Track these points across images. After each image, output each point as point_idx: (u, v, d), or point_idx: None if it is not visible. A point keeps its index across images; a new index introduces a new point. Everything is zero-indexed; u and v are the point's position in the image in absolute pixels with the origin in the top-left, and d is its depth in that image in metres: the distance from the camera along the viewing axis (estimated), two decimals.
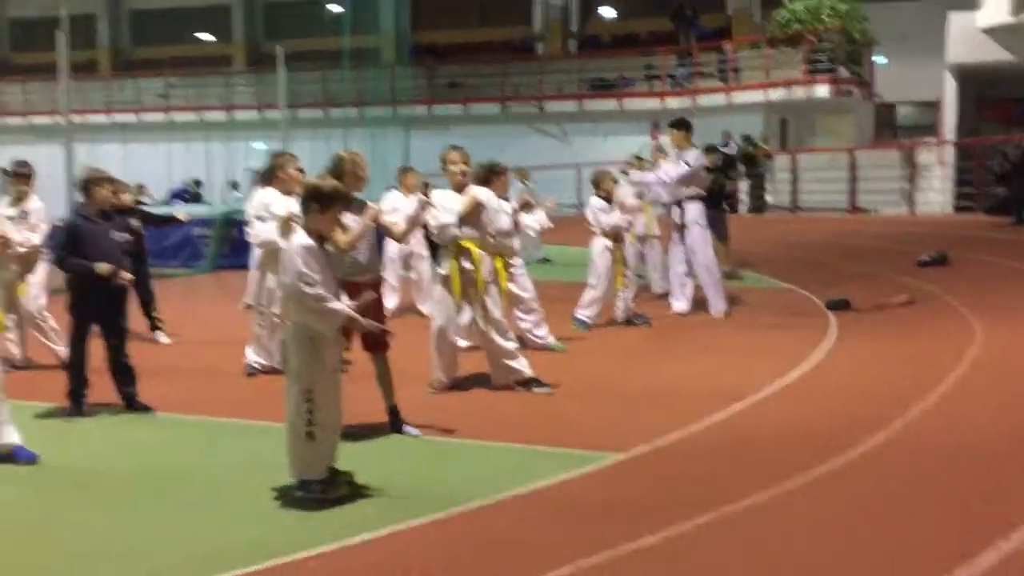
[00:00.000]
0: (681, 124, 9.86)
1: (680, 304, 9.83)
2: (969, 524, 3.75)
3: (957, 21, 19.25)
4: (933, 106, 21.88)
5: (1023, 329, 7.40)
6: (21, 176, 7.48)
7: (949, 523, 3.80)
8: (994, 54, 18.54)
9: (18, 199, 7.42)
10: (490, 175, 7.43)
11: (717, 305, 9.51)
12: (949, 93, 20.06)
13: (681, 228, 9.64)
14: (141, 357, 6.48)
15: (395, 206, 9.48)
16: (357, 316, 4.47)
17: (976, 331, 7.46)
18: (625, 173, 10.77)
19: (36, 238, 7.48)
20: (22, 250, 7.20)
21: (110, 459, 5.26)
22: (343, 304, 4.45)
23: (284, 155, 7.30)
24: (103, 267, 5.92)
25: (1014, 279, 9.56)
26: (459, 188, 6.49)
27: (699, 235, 9.54)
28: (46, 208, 7.60)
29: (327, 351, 4.42)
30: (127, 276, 6.11)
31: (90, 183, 6.16)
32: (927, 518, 3.86)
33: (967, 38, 18.84)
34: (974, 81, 20.43)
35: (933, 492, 4.15)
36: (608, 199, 9.20)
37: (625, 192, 10.43)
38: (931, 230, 14.27)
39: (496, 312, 6.55)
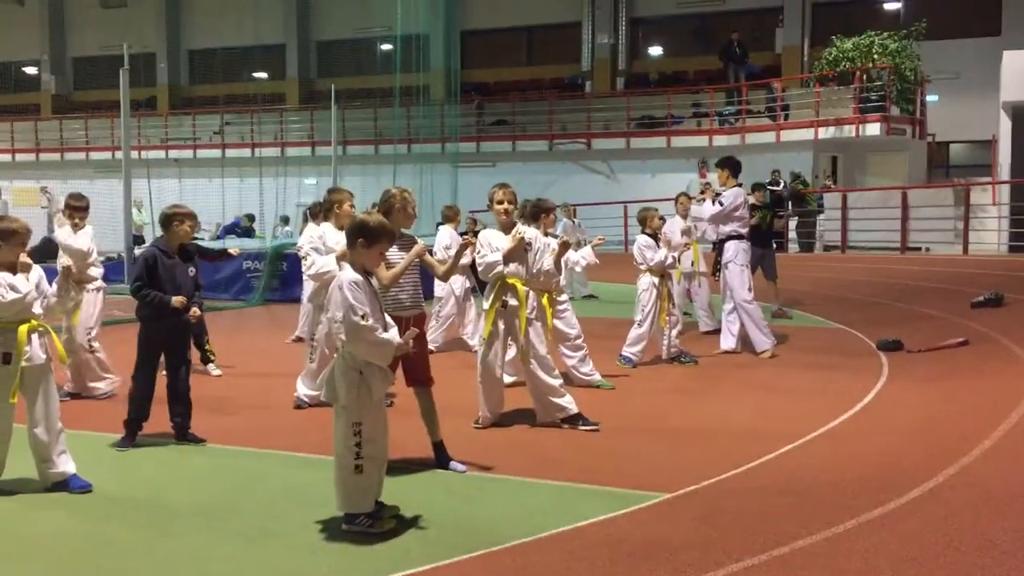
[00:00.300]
0: (724, 163, 9.88)
1: (728, 342, 9.77)
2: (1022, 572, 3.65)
3: (1012, 59, 19.01)
4: (987, 145, 21.57)
5: None
6: (77, 209, 7.72)
7: (1002, 571, 3.71)
8: None
9: (75, 229, 7.67)
10: (538, 212, 7.50)
11: (761, 344, 9.43)
12: (1004, 132, 19.76)
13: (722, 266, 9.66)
14: (193, 389, 6.58)
15: (447, 243, 9.70)
16: (406, 345, 4.54)
17: None
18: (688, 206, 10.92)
19: (96, 271, 7.75)
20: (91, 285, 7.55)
21: (161, 489, 5.34)
22: (394, 334, 4.51)
23: (342, 191, 7.41)
24: (178, 300, 6.07)
25: None
26: (505, 227, 6.56)
27: (736, 273, 9.52)
28: (95, 237, 7.83)
29: (376, 384, 4.47)
30: (197, 312, 6.29)
31: (171, 219, 6.32)
32: (979, 566, 3.76)
33: (1022, 76, 18.58)
34: None
35: (986, 539, 4.05)
36: (655, 236, 9.20)
37: (672, 229, 10.45)
38: (985, 270, 14.00)
39: (541, 348, 6.57)
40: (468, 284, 10.21)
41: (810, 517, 4.38)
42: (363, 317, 4.37)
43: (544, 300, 7.21)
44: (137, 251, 11.68)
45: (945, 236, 18.14)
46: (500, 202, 6.54)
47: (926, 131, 21.98)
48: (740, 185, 9.88)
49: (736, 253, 9.57)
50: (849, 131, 20.77)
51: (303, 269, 7.93)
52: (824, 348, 9.82)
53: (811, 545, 4.06)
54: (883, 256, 18.02)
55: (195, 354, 8.94)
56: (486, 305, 6.53)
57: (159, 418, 6.27)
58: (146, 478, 5.58)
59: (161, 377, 6.27)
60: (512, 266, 6.46)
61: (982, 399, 6.86)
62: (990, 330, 9.55)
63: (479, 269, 6.56)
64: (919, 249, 18.17)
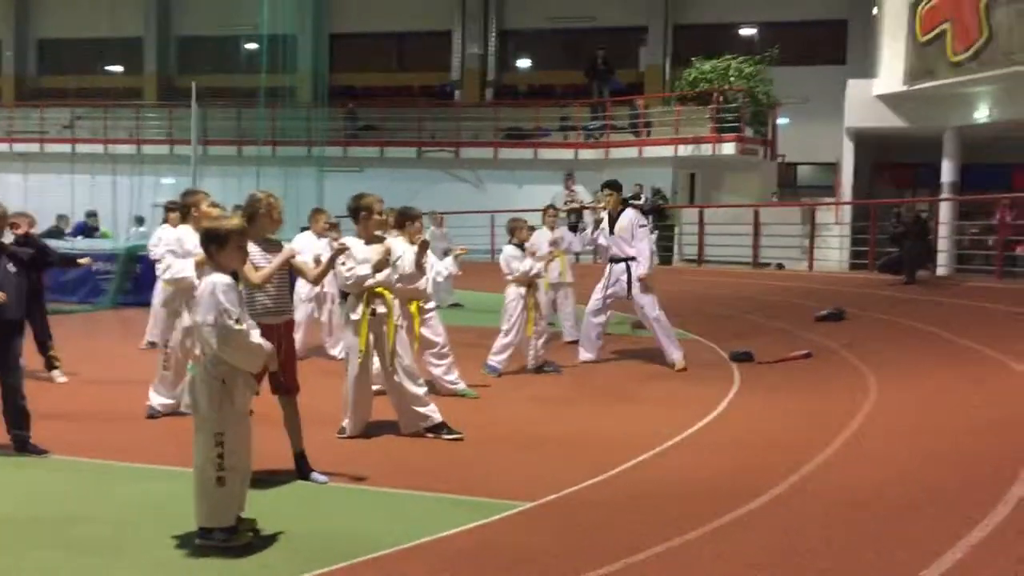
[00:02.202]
0: (610, 185, 10.15)
1: (587, 354, 10.02)
2: (871, 572, 3.88)
3: (855, 87, 20.22)
4: (833, 167, 22.85)
5: (914, 384, 7.73)
6: None
7: (853, 570, 3.93)
8: (888, 120, 19.54)
9: None
10: (403, 220, 7.48)
11: (673, 355, 9.64)
12: (847, 156, 20.99)
13: (618, 284, 9.83)
14: (36, 397, 6.25)
15: (304, 247, 9.45)
16: (274, 353, 4.45)
17: (871, 385, 7.76)
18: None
19: None
20: None
21: (0, 502, 5.05)
22: (264, 341, 4.42)
23: (198, 193, 7.21)
24: None
25: (905, 336, 9.99)
26: (370, 238, 6.48)
27: (649, 292, 9.73)
28: None
29: (238, 393, 4.35)
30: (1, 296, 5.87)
31: None
32: (820, 570, 3.98)
33: (864, 104, 19.79)
34: (870, 145, 21.43)
35: (832, 543, 4.29)
36: (521, 247, 9.33)
37: (539, 241, 10.62)
38: (828, 286, 14.81)
39: (407, 357, 6.55)
40: (319, 289, 9.94)
41: (663, 525, 4.53)
42: (237, 321, 4.26)
43: (413, 308, 7.19)
44: None
45: (793, 253, 19.08)
46: (380, 212, 6.49)
47: (776, 152, 23.09)
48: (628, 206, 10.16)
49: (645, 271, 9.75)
50: (706, 149, 21.60)
51: (158, 272, 7.63)
52: None
53: (664, 552, 4.19)
54: (736, 271, 18.80)
55: (40, 360, 8.51)
56: (354, 316, 6.45)
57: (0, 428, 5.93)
58: None
59: None
60: (380, 275, 6.41)
61: (825, 409, 7.26)
62: (832, 343, 10.11)
63: (345, 282, 6.43)
64: (769, 265, 19.04)
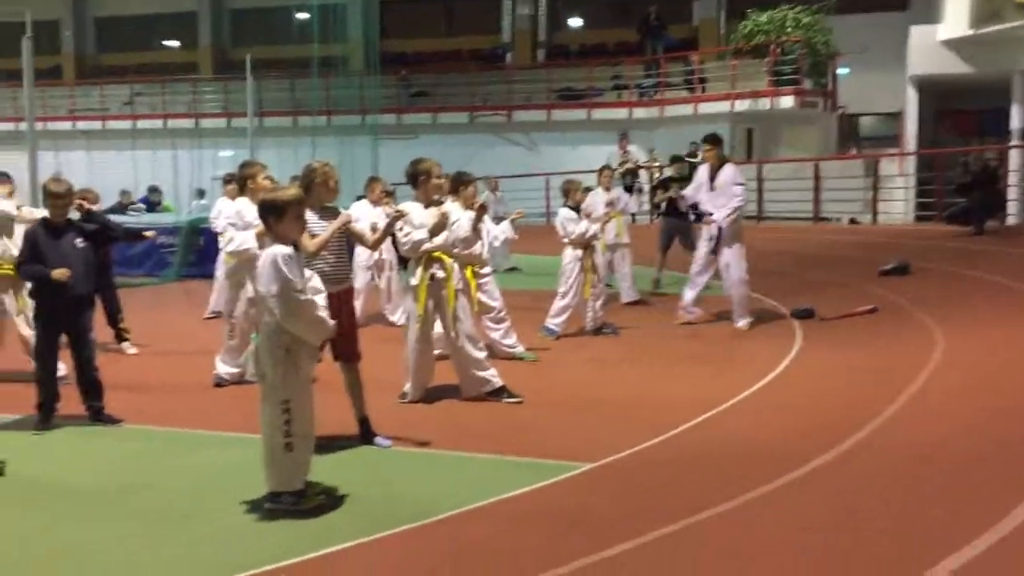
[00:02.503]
0: (709, 140, 9.76)
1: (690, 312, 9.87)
2: (935, 530, 3.83)
3: (918, 34, 19.59)
4: (895, 117, 22.24)
5: (982, 337, 7.55)
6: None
7: (914, 529, 3.88)
8: (953, 66, 18.92)
9: None
10: (458, 185, 7.49)
11: (741, 319, 9.48)
12: (910, 105, 20.39)
13: (716, 242, 9.52)
14: (107, 368, 6.44)
15: (361, 215, 9.54)
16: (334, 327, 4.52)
17: (938, 340, 7.60)
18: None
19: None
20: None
21: (76, 472, 5.23)
22: (327, 317, 4.48)
23: (255, 165, 7.29)
24: (58, 272, 5.88)
25: (973, 288, 9.74)
26: (428, 202, 6.51)
27: (737, 250, 9.48)
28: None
29: (304, 361, 4.43)
30: (63, 272, 5.92)
31: (51, 195, 6.14)
32: (892, 526, 3.94)
33: (928, 51, 19.17)
34: (934, 93, 20.78)
35: (891, 503, 4.23)
36: (577, 209, 9.27)
37: (595, 202, 10.55)
38: (893, 239, 14.49)
39: (468, 322, 6.59)
40: (377, 256, 10.04)
41: (724, 485, 4.51)
42: (300, 291, 4.33)
43: (468, 273, 7.22)
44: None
45: (856, 207, 18.68)
46: (439, 176, 6.51)
47: (837, 104, 22.54)
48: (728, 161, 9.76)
49: (736, 231, 9.51)
50: (764, 104, 21.17)
51: (220, 245, 7.76)
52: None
53: (724, 512, 4.18)
54: (796, 226, 18.49)
55: (110, 333, 8.75)
56: (414, 280, 6.50)
57: (75, 400, 6.13)
58: (59, 461, 5.45)
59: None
60: (437, 239, 6.44)
61: (890, 365, 7.13)
62: (898, 297, 9.91)
63: (403, 247, 6.48)
64: (830, 220, 18.68)
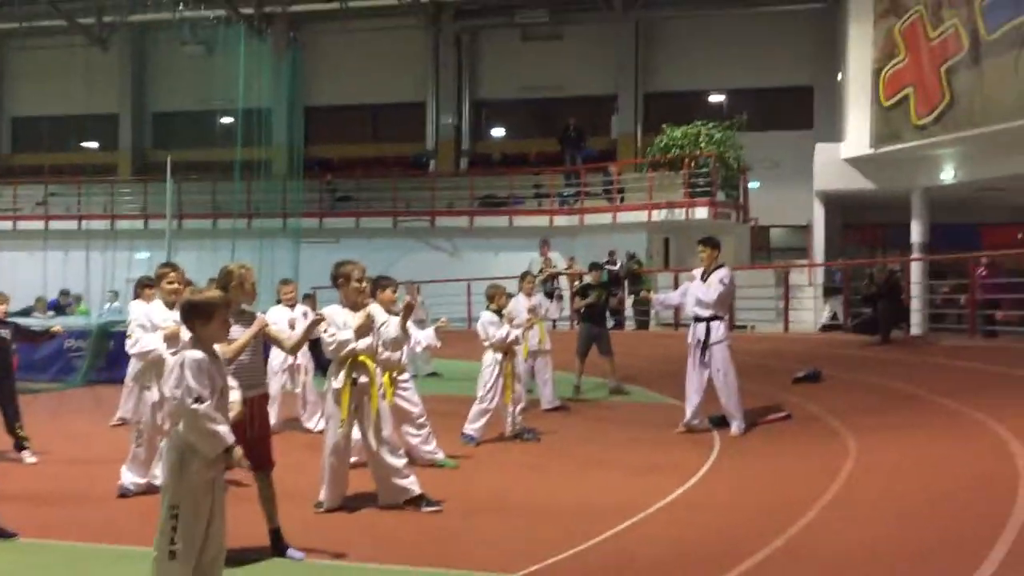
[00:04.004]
0: (704, 242, 9.97)
1: (694, 420, 9.61)
2: None
3: (823, 151, 20.64)
4: (804, 229, 23.15)
5: (893, 443, 7.72)
6: None
7: None
8: (857, 183, 19.93)
9: None
10: (377, 288, 7.48)
11: (735, 423, 9.36)
12: (817, 218, 21.31)
13: (703, 347, 9.43)
14: (5, 478, 6.11)
15: (278, 318, 9.42)
16: (236, 448, 4.33)
17: (850, 446, 7.74)
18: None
19: None
20: None
21: None
22: (227, 429, 4.32)
23: (166, 266, 7.19)
24: None
25: (882, 396, 10.01)
26: (354, 304, 6.48)
27: (728, 354, 9.44)
28: None
29: (196, 468, 4.25)
30: None
31: None
32: None
33: (832, 167, 20.19)
34: (840, 207, 21.79)
35: None
36: (499, 313, 9.33)
37: (517, 308, 10.63)
38: (804, 347, 14.87)
39: (387, 428, 6.49)
40: (292, 361, 9.88)
41: None
42: (198, 400, 4.19)
43: (386, 378, 7.14)
44: None
45: (768, 315, 19.21)
46: (359, 280, 6.50)
47: (749, 216, 23.39)
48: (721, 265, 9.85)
49: (724, 334, 9.50)
50: (680, 214, 21.84)
51: (127, 347, 7.53)
52: (659, 424, 10.09)
53: None
54: None
55: (7, 441, 8.34)
56: (336, 384, 6.39)
57: None
58: None
59: None
60: (361, 343, 6.38)
61: (806, 471, 7.23)
62: (810, 404, 10.12)
63: (328, 348, 6.39)
64: (745, 327, 19.13)
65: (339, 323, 6.31)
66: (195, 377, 4.21)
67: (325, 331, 6.23)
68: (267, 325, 5.52)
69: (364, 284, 6.57)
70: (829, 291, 13.57)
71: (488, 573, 4.89)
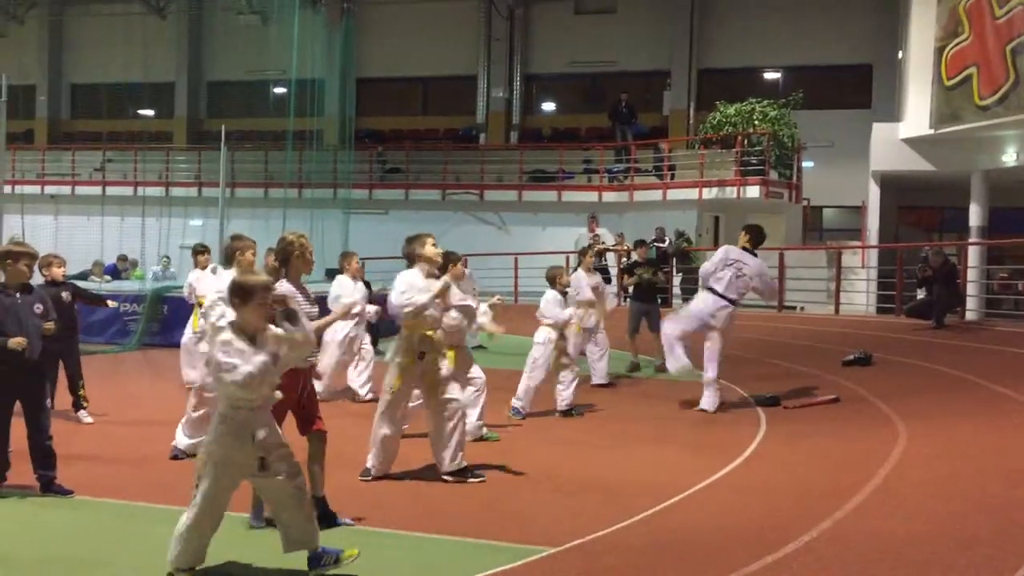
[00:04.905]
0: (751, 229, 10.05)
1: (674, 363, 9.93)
2: None
3: (880, 131, 20.20)
4: (858, 210, 22.75)
5: (944, 431, 7.60)
6: None
7: None
8: (914, 164, 19.48)
9: None
10: (446, 261, 7.51)
11: (708, 400, 9.55)
12: (872, 199, 20.90)
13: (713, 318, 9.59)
14: (63, 437, 6.28)
15: (345, 291, 9.68)
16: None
17: (900, 432, 7.63)
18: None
19: None
20: None
21: (19, 544, 5.04)
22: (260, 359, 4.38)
23: (243, 239, 7.18)
24: (15, 341, 5.76)
25: (934, 381, 9.84)
26: (429, 275, 6.51)
27: (725, 337, 9.64)
28: None
29: (229, 444, 4.35)
30: (51, 326, 5.99)
31: (6, 257, 6.03)
32: None
33: (890, 148, 19.76)
34: (896, 188, 21.34)
35: None
36: (563, 293, 9.39)
37: (580, 284, 10.63)
38: (855, 330, 14.66)
39: (460, 396, 6.57)
40: (349, 332, 9.98)
41: (689, 572, 4.45)
42: (229, 371, 4.28)
43: (451, 353, 7.19)
44: None
45: (819, 296, 18.94)
46: (435, 245, 6.55)
47: (802, 195, 23.03)
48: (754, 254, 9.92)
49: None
50: (731, 192, 21.57)
51: (211, 319, 7.59)
52: None
53: None
54: (761, 314, 18.67)
55: (67, 400, 8.56)
56: (397, 358, 6.44)
57: (25, 469, 5.95)
58: (4, 532, 5.25)
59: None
60: (428, 313, 6.40)
61: (853, 455, 7.14)
62: (859, 388, 9.98)
63: (404, 310, 6.33)
64: (794, 308, 18.90)
65: (418, 287, 6.33)
66: (225, 355, 4.30)
67: (402, 292, 6.26)
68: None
69: (439, 251, 6.60)
70: (924, 281, 13.30)
71: (531, 546, 4.92)
